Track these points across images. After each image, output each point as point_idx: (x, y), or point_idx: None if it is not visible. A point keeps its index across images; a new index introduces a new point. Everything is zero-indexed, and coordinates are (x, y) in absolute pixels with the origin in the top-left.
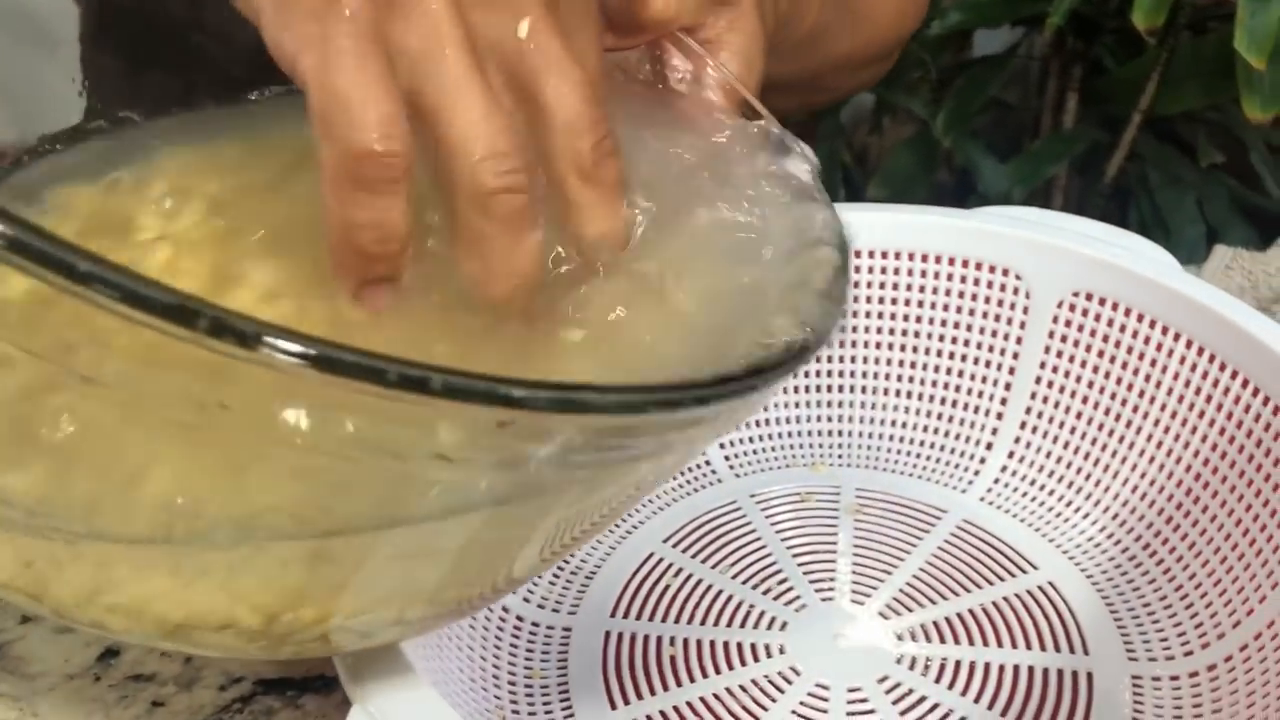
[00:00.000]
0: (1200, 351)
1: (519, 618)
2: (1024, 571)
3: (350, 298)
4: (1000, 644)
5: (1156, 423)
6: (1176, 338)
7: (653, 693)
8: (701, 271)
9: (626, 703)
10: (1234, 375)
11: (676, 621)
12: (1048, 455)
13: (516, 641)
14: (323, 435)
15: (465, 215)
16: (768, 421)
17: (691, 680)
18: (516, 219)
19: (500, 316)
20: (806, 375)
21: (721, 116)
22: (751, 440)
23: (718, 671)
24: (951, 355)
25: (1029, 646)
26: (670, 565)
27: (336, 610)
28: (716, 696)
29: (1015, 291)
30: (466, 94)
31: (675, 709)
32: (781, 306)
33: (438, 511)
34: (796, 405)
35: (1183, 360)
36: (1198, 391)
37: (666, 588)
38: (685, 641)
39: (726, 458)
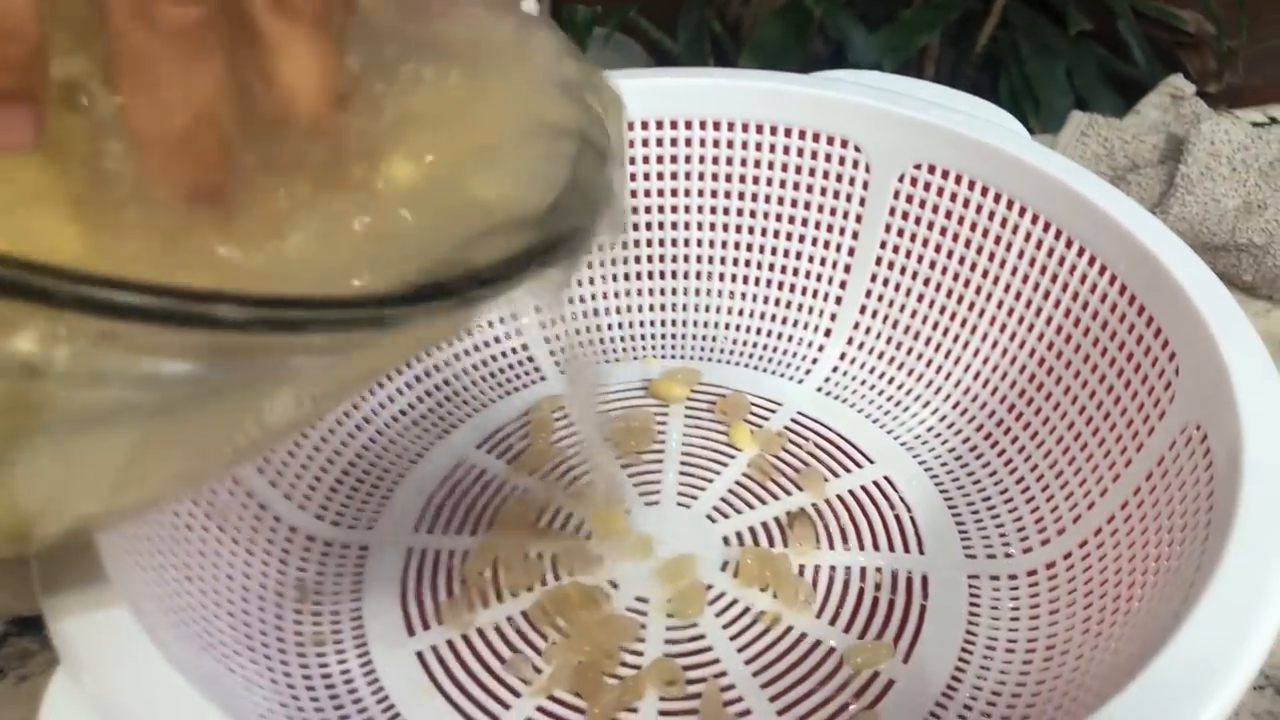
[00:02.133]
0: (1047, 227)
1: (309, 537)
2: (859, 466)
3: None
4: (833, 545)
5: (1000, 304)
6: (1023, 212)
7: (456, 615)
8: (421, 146)
9: (426, 627)
10: (1080, 252)
11: (487, 534)
12: (888, 341)
13: (305, 565)
14: None
15: (124, 30)
16: (595, 313)
17: (500, 599)
18: (192, 36)
19: (165, 179)
20: (637, 261)
21: None
22: (580, 333)
23: (529, 589)
24: (789, 236)
25: (862, 547)
26: (483, 473)
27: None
28: (525, 615)
29: (855, 165)
30: None
31: (479, 632)
32: (505, 208)
33: (69, 424)
34: (625, 295)
35: (1028, 237)
36: (1043, 270)
37: (477, 498)
38: (495, 556)
39: (551, 353)
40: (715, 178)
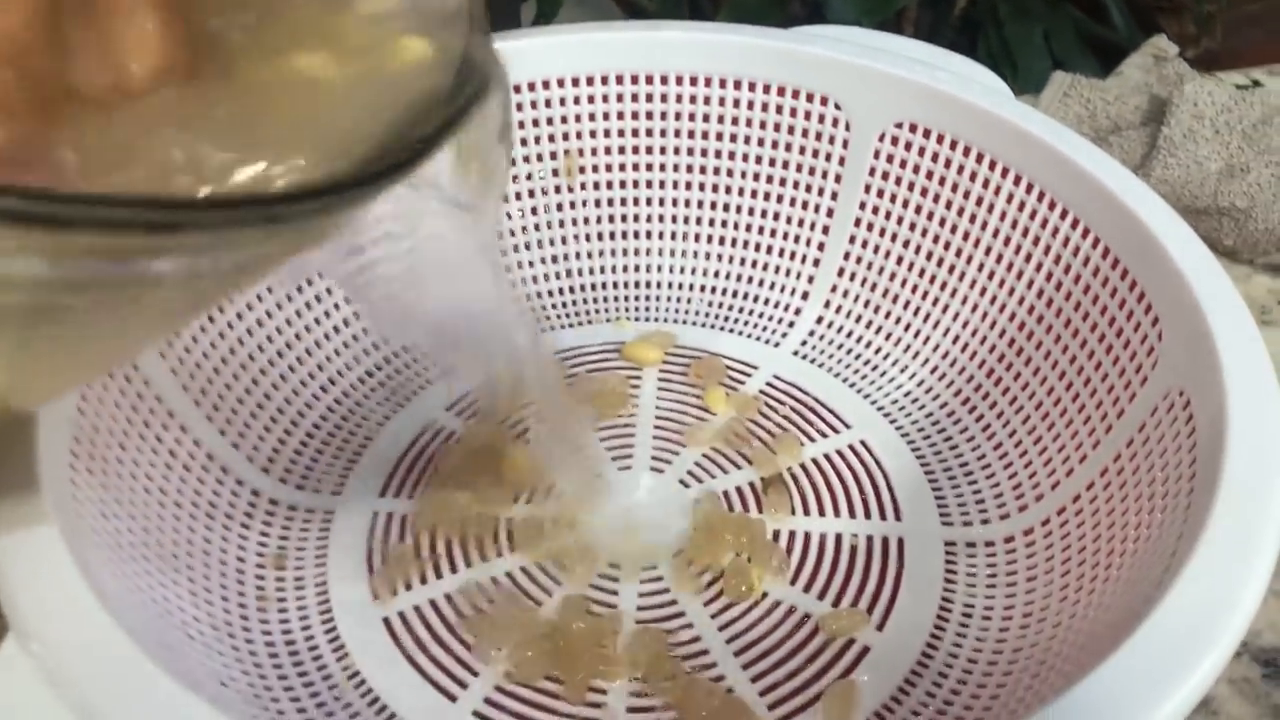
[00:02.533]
0: (1030, 188)
1: (272, 500)
2: (836, 431)
3: None
4: (808, 511)
5: (981, 267)
6: (1005, 173)
7: (423, 580)
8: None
9: (394, 593)
10: (1064, 214)
11: (444, 492)
12: (866, 304)
13: (268, 531)
14: None
15: None
16: (568, 274)
17: (468, 564)
18: None
19: None
20: (610, 221)
21: None
22: (552, 295)
23: (499, 554)
24: (766, 196)
25: (838, 514)
26: (452, 435)
27: None
28: (495, 582)
29: (835, 123)
30: None
31: (447, 597)
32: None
33: None
34: (598, 255)
35: (1010, 198)
36: (1025, 232)
37: (452, 458)
38: (460, 519)
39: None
40: (691, 135)
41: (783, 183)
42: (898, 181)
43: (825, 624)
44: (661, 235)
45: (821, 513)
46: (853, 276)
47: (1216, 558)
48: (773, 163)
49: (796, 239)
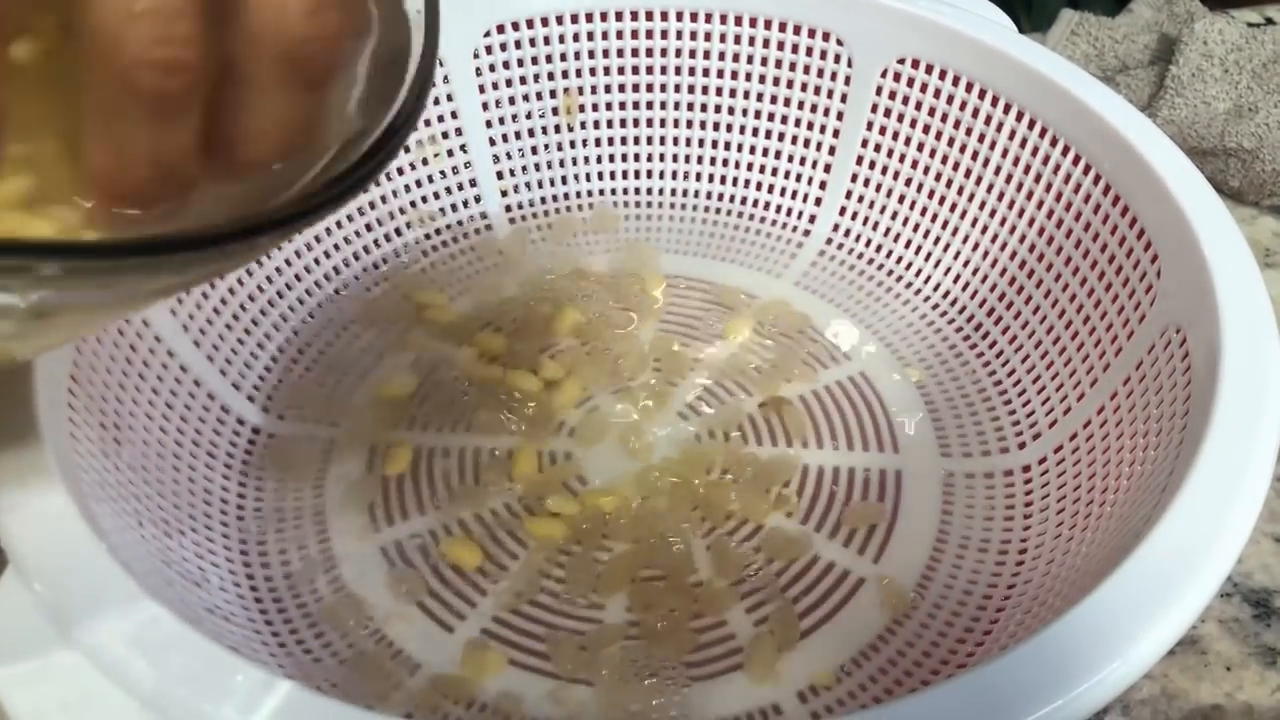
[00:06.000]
0: (1032, 124)
1: (270, 434)
2: (836, 362)
3: None
4: (806, 444)
5: (983, 204)
6: (1008, 109)
7: (422, 511)
8: None
9: (390, 523)
10: (1065, 150)
11: (454, 431)
12: (867, 243)
13: (264, 469)
14: None
15: (105, 80)
16: (569, 210)
17: (468, 497)
18: (171, 101)
19: (105, 203)
20: (612, 161)
21: None
22: (549, 227)
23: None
24: (768, 134)
25: (836, 445)
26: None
27: None
28: (494, 513)
29: (836, 59)
30: None
31: (445, 528)
32: None
33: None
34: (600, 194)
35: (1013, 134)
36: (1027, 169)
37: (450, 391)
38: (461, 451)
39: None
40: (692, 72)
41: (785, 120)
42: (900, 118)
43: (823, 554)
44: (663, 175)
45: (820, 444)
46: (854, 215)
47: (1204, 494)
48: (774, 100)
49: (798, 177)
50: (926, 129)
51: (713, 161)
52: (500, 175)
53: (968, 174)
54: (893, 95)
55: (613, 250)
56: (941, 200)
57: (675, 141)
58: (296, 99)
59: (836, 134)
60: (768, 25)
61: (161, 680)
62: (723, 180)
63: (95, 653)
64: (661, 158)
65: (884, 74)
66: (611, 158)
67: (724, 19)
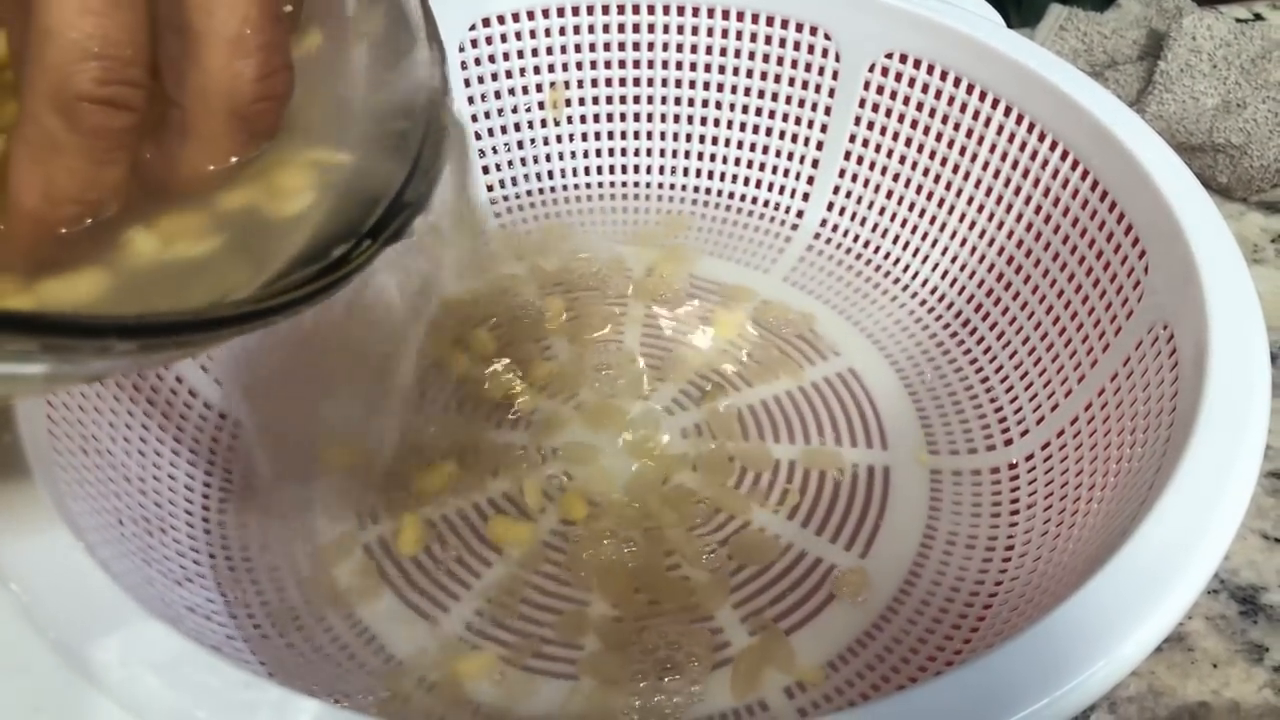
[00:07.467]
0: (1020, 120)
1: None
2: (824, 358)
3: None
4: (793, 439)
5: (971, 200)
6: (995, 104)
7: (407, 507)
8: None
9: (374, 520)
10: (1054, 146)
11: (439, 427)
12: (855, 239)
13: (251, 457)
14: None
15: (38, 114)
16: (557, 202)
17: (454, 491)
18: (109, 140)
19: (22, 248)
20: (599, 155)
21: None
22: (545, 219)
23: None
24: (755, 129)
25: (824, 440)
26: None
27: None
28: (477, 508)
29: (824, 53)
30: None
31: (429, 522)
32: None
33: None
34: (586, 188)
35: (1001, 130)
36: (1015, 165)
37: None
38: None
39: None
40: (679, 66)
41: (772, 114)
42: (888, 113)
43: (809, 550)
44: (649, 170)
45: (807, 440)
46: (842, 211)
47: (1191, 491)
48: (761, 94)
49: (785, 171)
50: (914, 124)
51: (699, 156)
52: (486, 170)
53: (955, 169)
54: (880, 90)
55: (600, 245)
56: (929, 195)
57: (662, 135)
58: (240, 144)
59: (824, 129)
60: (755, 19)
61: (136, 680)
62: (710, 175)
63: (69, 653)
64: (649, 152)
65: (872, 68)
66: (599, 152)
67: (710, 12)
